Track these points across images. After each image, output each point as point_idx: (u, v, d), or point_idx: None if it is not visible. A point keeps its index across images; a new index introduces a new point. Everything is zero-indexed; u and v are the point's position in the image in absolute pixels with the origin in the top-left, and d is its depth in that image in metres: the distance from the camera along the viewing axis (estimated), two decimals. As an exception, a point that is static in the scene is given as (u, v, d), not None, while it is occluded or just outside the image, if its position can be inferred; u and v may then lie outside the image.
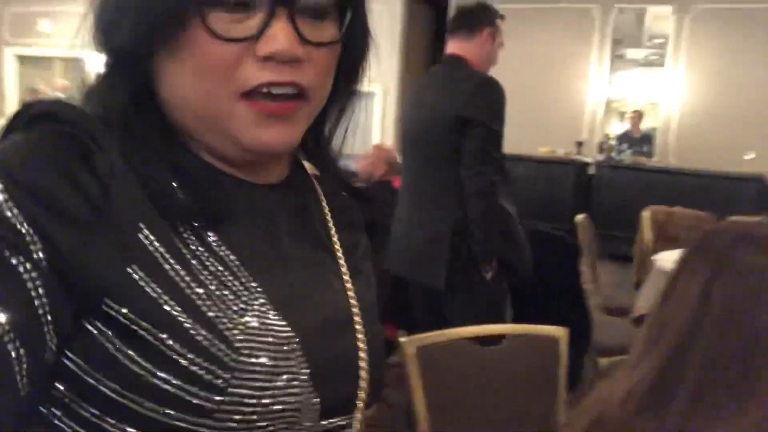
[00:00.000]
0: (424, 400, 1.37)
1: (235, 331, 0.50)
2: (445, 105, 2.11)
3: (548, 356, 1.49)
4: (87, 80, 0.56)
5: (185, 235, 0.52)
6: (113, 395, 0.47)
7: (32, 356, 0.43)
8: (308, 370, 0.54)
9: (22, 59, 10.71)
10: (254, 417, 0.49)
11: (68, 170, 0.46)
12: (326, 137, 0.66)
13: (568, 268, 3.03)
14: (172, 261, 0.50)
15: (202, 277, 0.51)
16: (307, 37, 0.51)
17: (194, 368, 0.47)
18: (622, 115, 9.44)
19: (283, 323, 0.53)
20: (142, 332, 0.47)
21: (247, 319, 0.51)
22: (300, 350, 0.54)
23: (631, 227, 4.34)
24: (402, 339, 1.37)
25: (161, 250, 0.49)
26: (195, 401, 0.47)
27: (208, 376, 0.48)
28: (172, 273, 0.49)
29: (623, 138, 7.66)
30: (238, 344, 0.49)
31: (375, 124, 7.54)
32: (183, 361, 0.47)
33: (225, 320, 0.50)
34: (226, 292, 0.51)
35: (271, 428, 0.51)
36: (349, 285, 0.64)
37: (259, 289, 0.54)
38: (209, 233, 0.53)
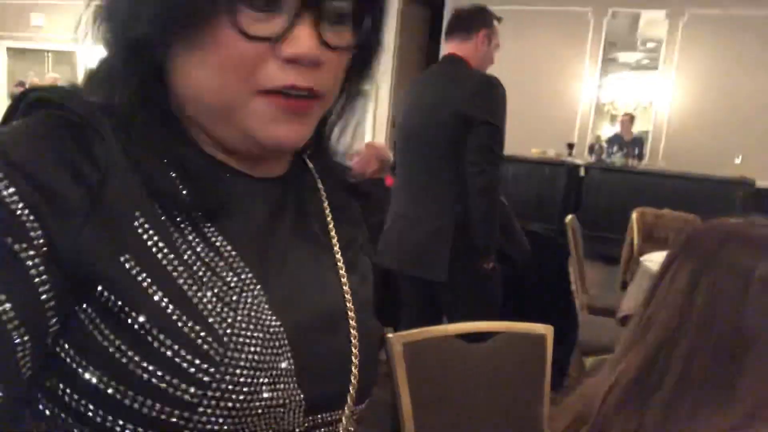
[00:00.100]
0: (410, 397, 1.38)
1: (224, 325, 0.50)
2: (449, 102, 2.14)
3: (534, 354, 1.50)
4: (83, 73, 0.56)
5: (182, 225, 0.52)
6: (100, 385, 0.47)
7: (35, 342, 0.44)
8: (293, 367, 0.53)
9: (14, 52, 10.64)
10: (239, 413, 0.49)
11: (66, 156, 0.47)
12: (326, 134, 0.67)
13: (557, 268, 3.05)
14: (166, 251, 0.50)
15: (195, 268, 0.51)
16: (328, 42, 0.51)
17: (180, 361, 0.47)
18: (613, 117, 9.47)
19: (274, 318, 0.53)
20: (130, 322, 0.47)
21: (237, 312, 0.51)
22: (287, 345, 0.53)
23: (620, 229, 4.37)
24: (389, 335, 1.37)
25: (155, 239, 0.49)
26: (180, 394, 0.47)
27: (193, 370, 0.47)
28: (165, 263, 0.49)
29: (614, 140, 7.69)
30: (226, 338, 0.49)
31: (367, 122, 7.55)
32: (169, 353, 0.47)
33: (215, 313, 0.50)
34: (219, 284, 0.51)
35: (255, 424, 0.51)
36: (344, 280, 0.63)
37: (253, 281, 0.54)
38: (206, 224, 0.53)
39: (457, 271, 2.19)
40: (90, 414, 0.47)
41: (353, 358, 0.60)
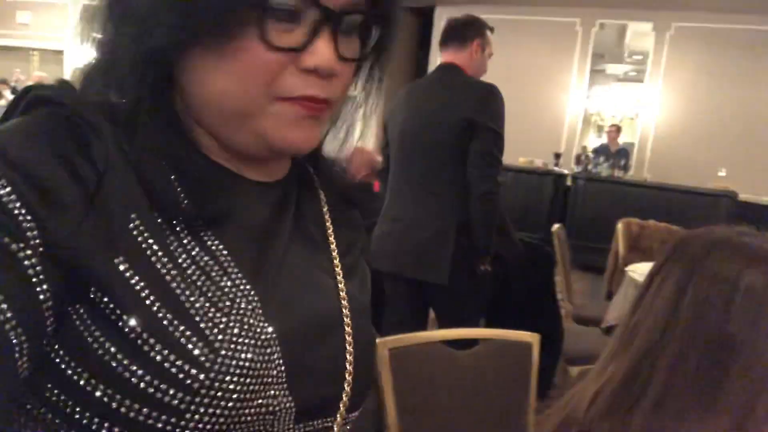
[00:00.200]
0: (395, 403, 1.37)
1: (216, 330, 0.49)
2: (456, 108, 2.22)
3: (520, 361, 1.50)
4: (78, 71, 0.55)
5: (178, 228, 0.51)
6: (88, 387, 0.46)
7: (32, 342, 0.43)
8: (284, 374, 0.53)
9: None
10: (228, 419, 0.49)
11: (64, 155, 0.46)
12: (324, 138, 0.67)
13: (544, 276, 3.06)
14: (160, 254, 0.49)
15: (189, 272, 0.50)
16: (342, 54, 0.52)
17: (169, 366, 0.46)
18: (600, 128, 9.57)
19: (266, 324, 0.53)
20: (121, 324, 0.46)
21: (231, 318, 0.50)
22: (278, 352, 0.53)
23: (605, 239, 4.40)
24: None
25: (150, 241, 0.49)
26: (168, 400, 0.46)
27: (183, 375, 0.47)
28: (158, 266, 0.49)
29: (600, 151, 7.76)
30: (217, 344, 0.49)
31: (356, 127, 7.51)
32: (159, 358, 0.46)
33: (207, 318, 0.49)
34: (213, 288, 0.51)
35: (245, 430, 0.50)
36: (341, 286, 0.63)
37: (248, 287, 0.53)
38: (204, 228, 0.53)
39: (457, 273, 2.24)
40: (78, 416, 0.46)
41: (347, 365, 0.59)
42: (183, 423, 0.47)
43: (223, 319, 0.50)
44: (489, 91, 2.25)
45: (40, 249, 0.44)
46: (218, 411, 0.48)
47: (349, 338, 0.60)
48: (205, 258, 0.52)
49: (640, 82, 7.98)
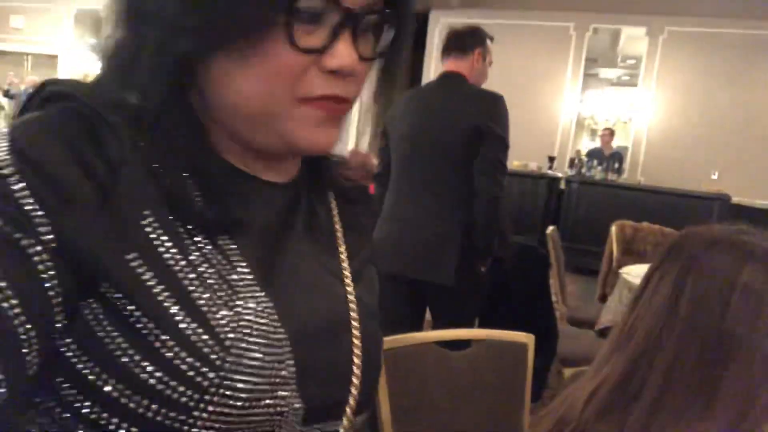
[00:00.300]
0: (390, 404, 1.37)
1: (227, 329, 0.49)
2: (462, 115, 2.32)
3: (515, 362, 1.50)
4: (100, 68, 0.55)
5: (190, 226, 0.51)
6: (98, 383, 0.46)
7: (41, 338, 0.43)
8: (295, 375, 0.53)
9: (-6, 54, 10.54)
10: (236, 419, 0.49)
11: (78, 152, 0.46)
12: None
13: (538, 279, 3.06)
14: (173, 251, 0.49)
15: (201, 270, 0.50)
16: (362, 54, 0.53)
17: (179, 363, 0.46)
18: (593, 132, 9.59)
19: (278, 324, 0.53)
20: (132, 320, 0.46)
21: (241, 317, 0.50)
22: (290, 353, 0.53)
23: (598, 241, 4.41)
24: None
25: (163, 239, 0.49)
26: (177, 397, 0.46)
27: (193, 373, 0.47)
28: (171, 263, 0.49)
29: (594, 154, 7.79)
30: (228, 342, 0.49)
31: (351, 131, 7.53)
32: (169, 354, 0.46)
33: (219, 316, 0.49)
34: (225, 287, 0.51)
35: (253, 430, 0.50)
36: (350, 289, 0.63)
37: (258, 287, 0.53)
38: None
39: (459, 274, 2.30)
40: (88, 411, 0.47)
41: (355, 368, 0.59)
42: (192, 420, 0.47)
43: (234, 317, 0.50)
44: (496, 100, 2.35)
45: (52, 245, 0.44)
46: (227, 410, 0.48)
47: (357, 342, 0.60)
48: (218, 257, 0.52)
49: (634, 86, 8.01)
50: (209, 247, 0.52)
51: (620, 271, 2.97)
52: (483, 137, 2.28)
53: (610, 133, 7.90)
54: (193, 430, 0.47)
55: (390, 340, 1.38)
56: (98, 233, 0.46)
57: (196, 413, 0.47)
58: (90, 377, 0.46)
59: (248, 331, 0.50)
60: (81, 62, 9.40)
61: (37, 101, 0.50)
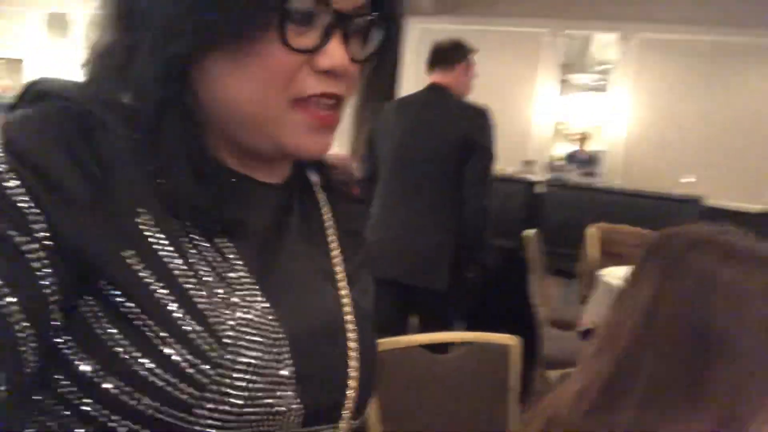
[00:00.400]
0: (377, 407, 1.36)
1: (225, 326, 0.49)
2: (451, 128, 2.44)
3: (500, 364, 1.50)
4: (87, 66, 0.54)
5: (186, 224, 0.51)
6: (97, 379, 0.46)
7: (39, 335, 0.43)
8: (294, 375, 0.53)
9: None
10: (235, 417, 0.48)
11: (72, 148, 0.46)
12: None
13: (519, 282, 3.08)
14: (169, 248, 0.49)
15: (198, 267, 0.50)
16: (353, 56, 0.54)
17: (178, 359, 0.46)
18: (568, 136, 9.69)
19: (276, 323, 0.52)
20: (131, 316, 0.46)
21: (239, 315, 0.50)
22: (288, 353, 0.53)
23: (575, 244, 4.44)
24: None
25: (159, 236, 0.49)
26: (176, 394, 0.46)
27: (192, 370, 0.46)
28: (167, 260, 0.49)
29: (570, 158, 7.86)
30: (226, 340, 0.48)
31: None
32: (168, 351, 0.46)
33: (216, 313, 0.49)
34: (222, 284, 0.51)
35: (252, 430, 0.50)
36: (344, 292, 0.63)
37: (255, 286, 0.53)
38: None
39: (450, 279, 2.44)
40: (86, 408, 0.46)
41: (351, 371, 0.59)
42: (191, 418, 0.46)
43: (231, 315, 0.50)
44: (484, 113, 2.48)
45: (47, 242, 0.44)
46: (226, 407, 0.48)
47: (352, 345, 0.60)
48: (215, 255, 0.52)
49: (607, 90, 8.11)
50: (206, 245, 0.52)
51: (599, 273, 3.00)
52: (471, 149, 2.39)
53: (585, 137, 7.98)
54: (192, 427, 0.47)
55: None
56: (93, 230, 0.46)
57: (195, 410, 0.46)
58: (88, 374, 0.46)
59: (246, 329, 0.50)
60: (47, 66, 9.27)
61: (27, 99, 0.50)
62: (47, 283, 0.44)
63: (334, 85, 0.54)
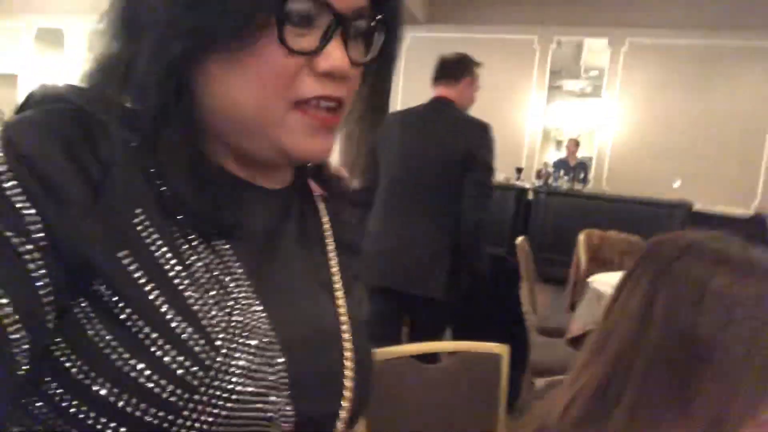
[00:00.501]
0: (366, 418, 1.36)
1: (218, 329, 0.49)
2: (454, 142, 2.50)
3: (490, 373, 1.51)
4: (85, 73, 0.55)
5: (184, 225, 0.52)
6: (86, 381, 0.46)
7: (32, 338, 0.43)
8: (287, 380, 0.52)
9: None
10: (225, 421, 0.48)
11: (71, 149, 0.46)
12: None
13: (509, 289, 3.08)
14: (164, 249, 0.49)
15: (194, 269, 0.50)
16: (353, 58, 0.54)
17: (169, 361, 0.46)
18: (559, 143, 9.72)
19: (269, 328, 0.53)
20: (123, 317, 0.46)
21: (233, 318, 0.50)
22: (281, 357, 0.53)
23: (566, 251, 4.45)
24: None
25: (155, 237, 0.49)
26: (166, 396, 0.46)
27: (182, 371, 0.46)
28: (162, 261, 0.49)
29: (560, 165, 7.89)
30: (218, 342, 0.48)
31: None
32: (159, 353, 0.46)
33: (210, 316, 0.49)
34: (217, 287, 0.51)
35: None
36: (341, 301, 0.63)
37: (251, 289, 0.53)
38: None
39: (446, 288, 2.49)
40: (75, 410, 0.46)
41: (347, 380, 0.59)
42: (181, 421, 0.46)
43: (226, 318, 0.50)
44: (486, 128, 2.55)
45: (43, 243, 0.44)
46: (217, 411, 0.48)
47: (348, 353, 0.60)
48: (211, 256, 0.52)
49: (598, 96, 8.15)
50: (203, 247, 0.52)
51: (588, 279, 3.00)
52: (471, 163, 2.45)
53: (576, 143, 8.02)
54: (182, 430, 0.47)
55: (365, 355, 1.37)
56: (90, 231, 0.46)
57: (185, 413, 0.46)
58: (78, 376, 0.46)
59: (239, 332, 0.50)
60: (42, 81, 9.14)
61: (31, 103, 0.50)
62: (42, 284, 0.44)
63: (334, 87, 0.54)
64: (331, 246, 0.67)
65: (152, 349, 0.46)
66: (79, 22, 8.70)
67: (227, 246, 0.54)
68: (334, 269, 0.66)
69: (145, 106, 0.51)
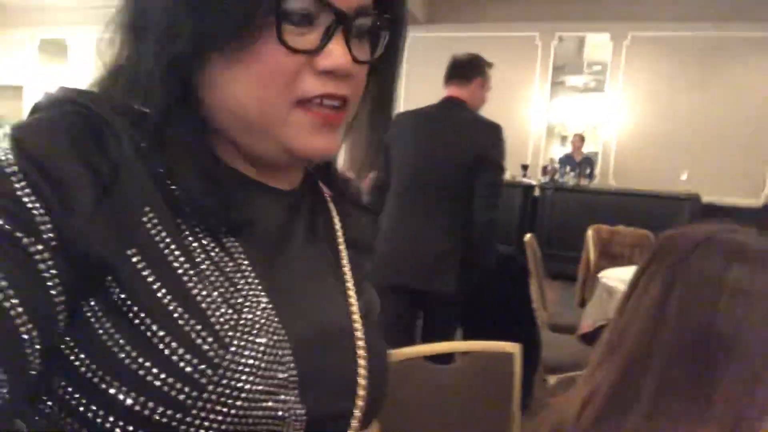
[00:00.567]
0: (379, 422, 1.36)
1: (226, 326, 0.49)
2: (468, 143, 2.55)
3: (502, 373, 1.50)
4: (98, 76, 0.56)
5: (194, 225, 0.52)
6: (95, 379, 0.45)
7: (43, 338, 0.43)
8: (297, 378, 0.52)
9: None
10: (235, 419, 0.48)
11: (81, 150, 0.47)
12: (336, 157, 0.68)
13: (518, 287, 3.07)
14: (173, 247, 0.49)
15: (203, 267, 0.50)
16: (356, 56, 0.54)
17: (177, 359, 0.46)
18: (564, 139, 9.71)
19: (279, 326, 0.52)
20: (131, 316, 0.46)
21: (243, 315, 0.50)
22: (291, 356, 0.52)
23: (574, 247, 4.43)
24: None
25: (164, 234, 0.49)
26: (174, 394, 0.45)
27: (190, 369, 0.46)
28: (170, 259, 0.49)
29: (565, 161, 7.87)
30: (227, 340, 0.48)
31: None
32: (167, 351, 0.46)
33: (219, 314, 0.49)
34: (226, 284, 0.51)
35: None
36: (353, 300, 0.63)
37: (260, 287, 0.53)
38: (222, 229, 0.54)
39: (458, 284, 2.55)
40: (83, 409, 0.46)
41: (360, 378, 0.58)
42: (189, 419, 0.46)
43: (234, 316, 0.50)
44: (497, 129, 2.59)
45: (53, 243, 0.44)
46: (225, 409, 0.47)
47: (362, 351, 0.60)
48: (221, 254, 0.52)
49: (601, 91, 8.13)
50: (213, 245, 0.52)
51: (598, 275, 2.99)
52: (483, 163, 2.50)
53: (581, 139, 8.00)
54: (191, 429, 0.46)
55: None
56: (100, 231, 0.46)
57: (194, 412, 0.46)
58: (87, 375, 0.46)
59: (248, 330, 0.50)
60: (47, 92, 9.19)
61: (44, 105, 0.50)
62: (52, 284, 0.43)
63: (337, 85, 0.54)
64: (342, 245, 0.67)
65: (160, 347, 0.46)
66: (81, 33, 8.76)
67: (237, 244, 0.54)
68: (346, 268, 0.66)
69: (152, 107, 0.52)
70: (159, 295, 0.47)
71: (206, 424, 0.47)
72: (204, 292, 0.49)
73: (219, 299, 0.50)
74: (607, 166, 7.85)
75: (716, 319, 0.72)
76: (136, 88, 0.53)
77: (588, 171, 7.66)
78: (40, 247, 0.43)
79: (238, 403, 0.48)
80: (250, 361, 0.49)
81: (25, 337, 0.41)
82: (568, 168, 7.64)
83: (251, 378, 0.49)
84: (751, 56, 7.14)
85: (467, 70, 2.67)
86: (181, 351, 0.46)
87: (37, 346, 0.42)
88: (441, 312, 2.64)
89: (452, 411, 1.47)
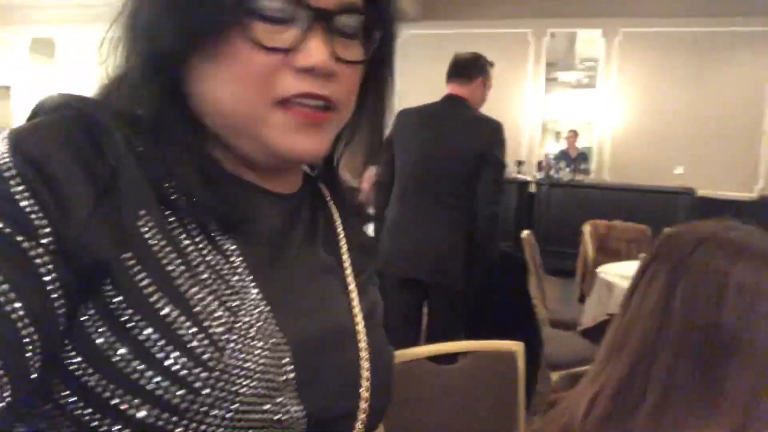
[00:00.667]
0: (383, 424, 1.35)
1: (222, 329, 0.48)
2: (470, 140, 2.62)
3: (506, 371, 1.49)
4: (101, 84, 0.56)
5: (189, 227, 0.51)
6: (90, 383, 0.45)
7: (44, 341, 0.43)
8: (296, 381, 0.51)
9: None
10: (233, 423, 0.47)
11: (77, 153, 0.47)
12: (338, 158, 0.68)
13: (517, 284, 3.07)
14: (168, 250, 0.49)
15: (200, 269, 0.50)
16: (339, 55, 0.53)
17: (171, 363, 0.45)
18: (558, 134, 9.72)
19: (276, 328, 0.52)
20: (126, 319, 0.46)
21: (239, 318, 0.50)
22: (290, 358, 0.52)
23: (571, 242, 4.44)
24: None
25: (159, 237, 0.49)
26: (169, 398, 0.45)
27: (185, 372, 0.45)
28: (165, 261, 0.48)
29: (561, 157, 7.89)
30: (222, 343, 0.48)
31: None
32: (161, 355, 0.45)
33: (214, 316, 0.48)
34: (222, 287, 0.50)
35: None
36: (355, 302, 0.62)
37: (257, 290, 0.52)
38: (217, 230, 0.53)
39: (465, 278, 2.62)
40: (78, 412, 0.46)
41: (363, 380, 0.58)
42: (185, 423, 0.45)
43: (231, 319, 0.49)
44: (499, 127, 2.66)
45: (52, 246, 0.43)
46: (222, 412, 0.47)
47: (364, 353, 0.59)
48: (217, 257, 0.52)
49: (594, 87, 8.14)
50: (210, 248, 0.51)
51: (597, 270, 3.00)
52: (485, 161, 2.57)
53: (575, 134, 8.01)
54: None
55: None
56: (97, 235, 0.46)
57: (189, 415, 0.46)
58: (83, 378, 0.45)
59: (244, 333, 0.49)
60: (36, 93, 9.19)
61: (42, 111, 0.51)
62: (52, 287, 0.43)
63: (317, 84, 0.53)
64: (344, 247, 0.67)
65: (154, 350, 0.45)
66: (69, 32, 8.69)
67: (234, 247, 0.53)
68: (348, 270, 0.65)
69: (143, 108, 0.52)
70: (154, 298, 0.47)
71: (202, 427, 0.46)
72: (199, 295, 0.49)
73: (215, 302, 0.49)
74: (602, 161, 7.86)
75: (721, 317, 0.71)
76: (127, 91, 0.53)
77: (583, 166, 7.68)
78: (40, 250, 0.43)
79: (235, 406, 0.47)
80: (247, 364, 0.48)
81: (27, 341, 0.41)
82: (563, 163, 7.65)
83: (248, 381, 0.48)
84: (742, 51, 7.15)
85: (470, 69, 2.71)
86: (175, 354, 0.46)
87: (39, 350, 0.42)
88: (446, 308, 2.67)
89: (456, 411, 1.46)
